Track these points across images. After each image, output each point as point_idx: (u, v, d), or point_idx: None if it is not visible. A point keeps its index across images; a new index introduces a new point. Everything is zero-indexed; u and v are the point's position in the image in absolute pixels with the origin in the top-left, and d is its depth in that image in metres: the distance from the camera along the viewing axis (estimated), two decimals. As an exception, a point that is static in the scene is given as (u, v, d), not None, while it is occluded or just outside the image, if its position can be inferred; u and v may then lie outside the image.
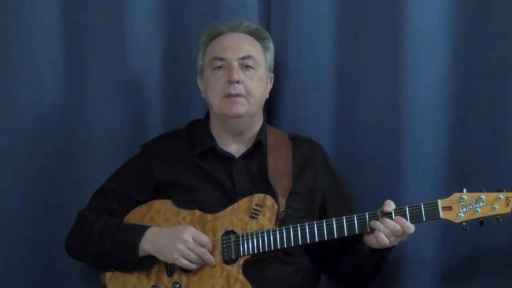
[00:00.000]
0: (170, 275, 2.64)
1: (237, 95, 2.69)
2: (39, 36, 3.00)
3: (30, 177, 3.02)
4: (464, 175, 2.83)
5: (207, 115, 2.84)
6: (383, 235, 2.53)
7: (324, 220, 2.58)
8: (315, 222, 2.58)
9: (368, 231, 2.56)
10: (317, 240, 2.57)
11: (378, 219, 2.54)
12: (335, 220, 2.56)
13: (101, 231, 2.68)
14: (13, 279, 3.01)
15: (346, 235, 2.56)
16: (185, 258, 2.59)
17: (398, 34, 2.87)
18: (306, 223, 2.58)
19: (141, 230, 2.65)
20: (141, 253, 2.63)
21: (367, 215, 2.56)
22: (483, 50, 2.85)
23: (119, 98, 3.03)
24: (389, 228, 2.53)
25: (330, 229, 2.56)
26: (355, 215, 2.57)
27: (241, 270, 2.59)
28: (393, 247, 2.59)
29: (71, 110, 3.03)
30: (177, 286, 2.62)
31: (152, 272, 2.66)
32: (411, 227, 2.53)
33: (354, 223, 2.56)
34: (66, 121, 3.04)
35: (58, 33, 3.01)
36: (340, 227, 2.56)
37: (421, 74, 2.87)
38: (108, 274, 2.70)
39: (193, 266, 2.60)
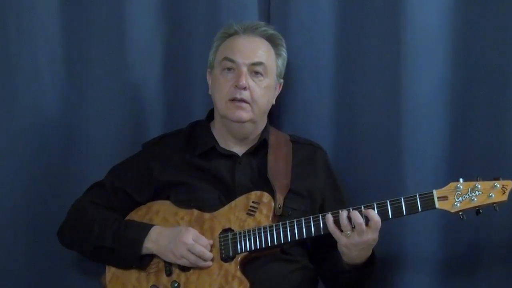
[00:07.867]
0: (168, 274, 2.64)
1: (242, 100, 2.69)
2: (39, 36, 3.00)
3: (30, 177, 3.02)
4: (464, 176, 2.81)
5: (209, 116, 2.84)
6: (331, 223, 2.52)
7: (319, 214, 2.57)
8: (311, 216, 2.58)
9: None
10: (313, 234, 2.56)
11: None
12: (331, 213, 2.55)
13: (101, 225, 2.69)
14: (13, 279, 3.01)
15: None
16: (185, 258, 2.61)
17: (398, 34, 2.87)
18: (302, 218, 2.58)
19: (144, 229, 2.66)
20: (144, 251, 2.65)
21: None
22: (483, 51, 2.85)
23: (119, 98, 3.03)
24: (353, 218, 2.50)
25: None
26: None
27: (238, 267, 2.59)
28: (368, 266, 2.60)
29: (71, 110, 3.04)
30: (176, 285, 2.62)
31: (151, 273, 2.67)
32: (375, 216, 2.50)
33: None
34: (66, 121, 3.04)
35: (58, 33, 3.01)
36: (337, 222, 2.54)
37: (421, 74, 2.87)
38: (108, 276, 2.71)
39: (188, 264, 2.62)
